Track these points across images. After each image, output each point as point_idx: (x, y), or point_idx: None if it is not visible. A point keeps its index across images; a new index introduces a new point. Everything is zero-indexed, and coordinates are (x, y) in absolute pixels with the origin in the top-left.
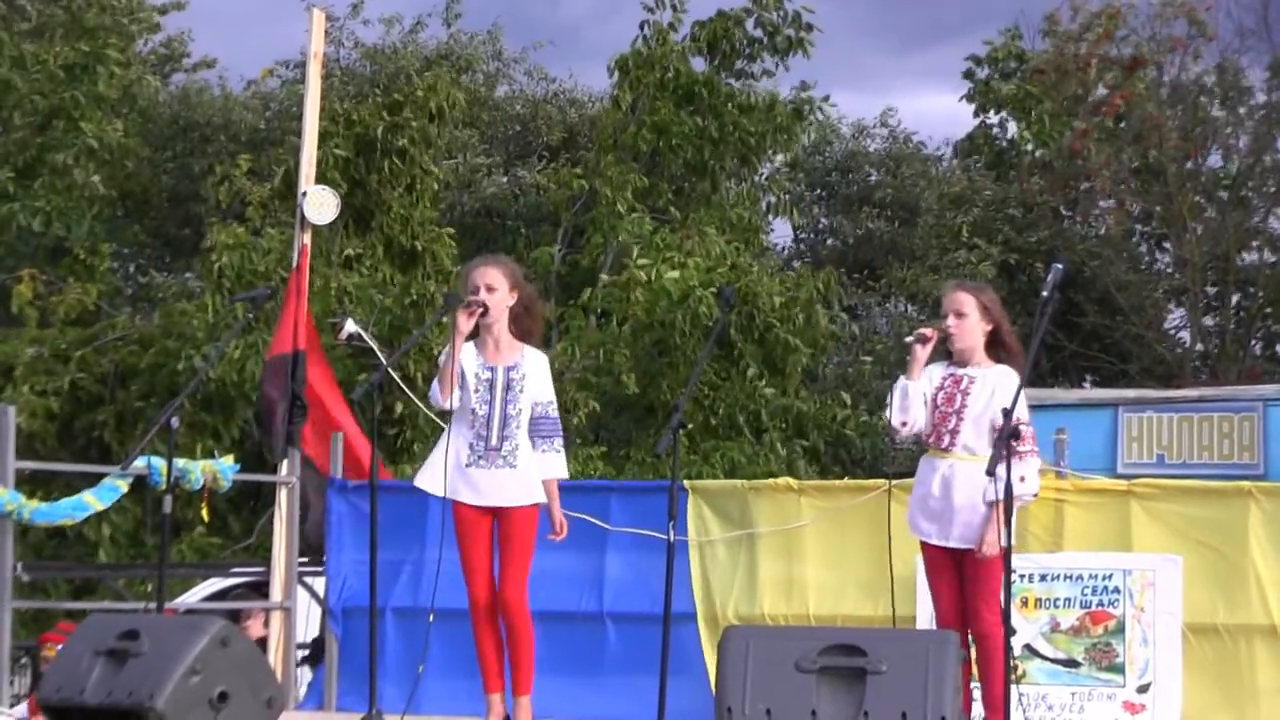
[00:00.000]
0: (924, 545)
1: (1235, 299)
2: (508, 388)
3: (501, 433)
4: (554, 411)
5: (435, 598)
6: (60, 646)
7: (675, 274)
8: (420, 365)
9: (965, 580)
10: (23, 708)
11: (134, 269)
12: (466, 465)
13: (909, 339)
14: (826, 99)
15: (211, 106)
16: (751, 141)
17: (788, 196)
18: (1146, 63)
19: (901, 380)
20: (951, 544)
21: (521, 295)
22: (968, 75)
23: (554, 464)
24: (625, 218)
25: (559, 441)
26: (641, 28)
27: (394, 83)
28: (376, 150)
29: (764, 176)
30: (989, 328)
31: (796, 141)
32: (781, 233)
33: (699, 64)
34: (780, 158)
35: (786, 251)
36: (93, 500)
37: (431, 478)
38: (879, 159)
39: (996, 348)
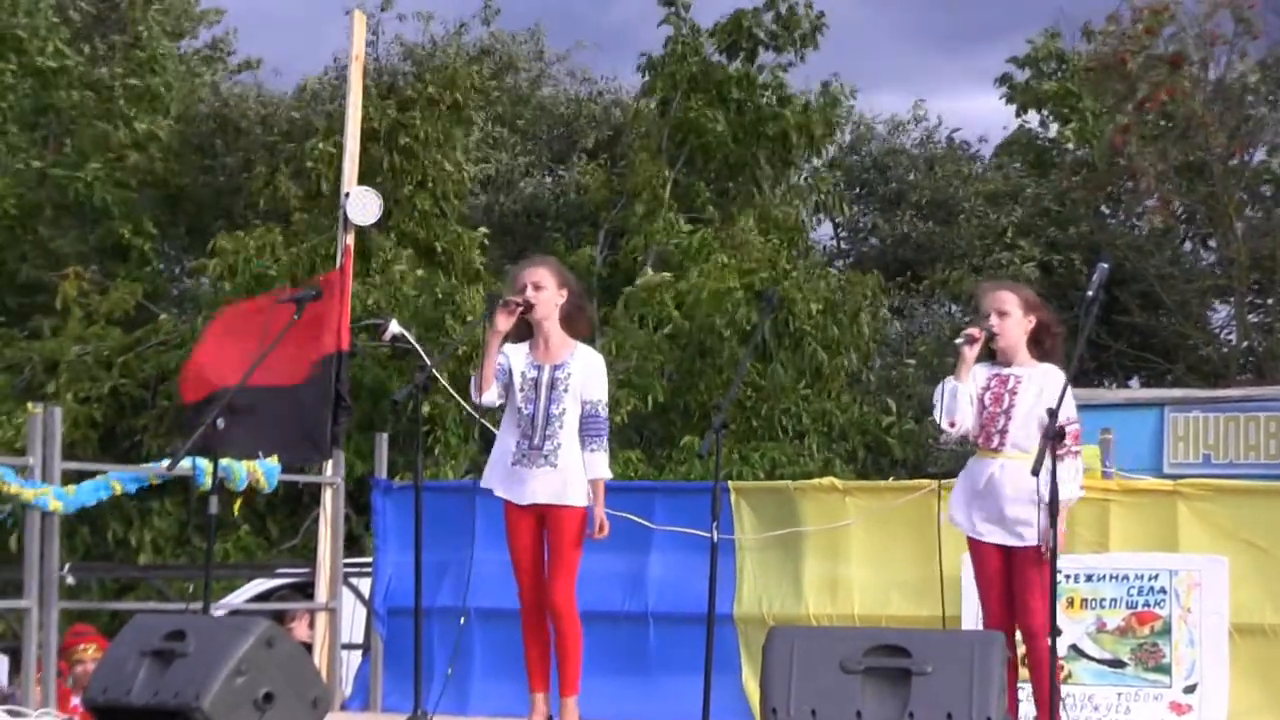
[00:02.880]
0: (972, 543)
1: None
2: (552, 387)
3: (544, 432)
4: (602, 410)
5: (480, 599)
6: (82, 645)
7: (702, 278)
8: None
9: (1015, 579)
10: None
11: (179, 270)
12: (512, 464)
13: (958, 341)
14: (852, 91)
15: (248, 98)
16: (791, 138)
17: (830, 194)
18: (1188, 59)
19: (950, 381)
20: (1002, 542)
21: (571, 294)
22: (1004, 80)
23: (599, 463)
24: (661, 219)
25: (602, 442)
26: (670, 19)
27: (433, 79)
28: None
29: (804, 177)
30: (1031, 325)
31: (833, 136)
32: (822, 232)
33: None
34: (823, 154)
35: (828, 251)
36: (116, 483)
37: (488, 476)
38: (910, 161)
39: (1038, 345)
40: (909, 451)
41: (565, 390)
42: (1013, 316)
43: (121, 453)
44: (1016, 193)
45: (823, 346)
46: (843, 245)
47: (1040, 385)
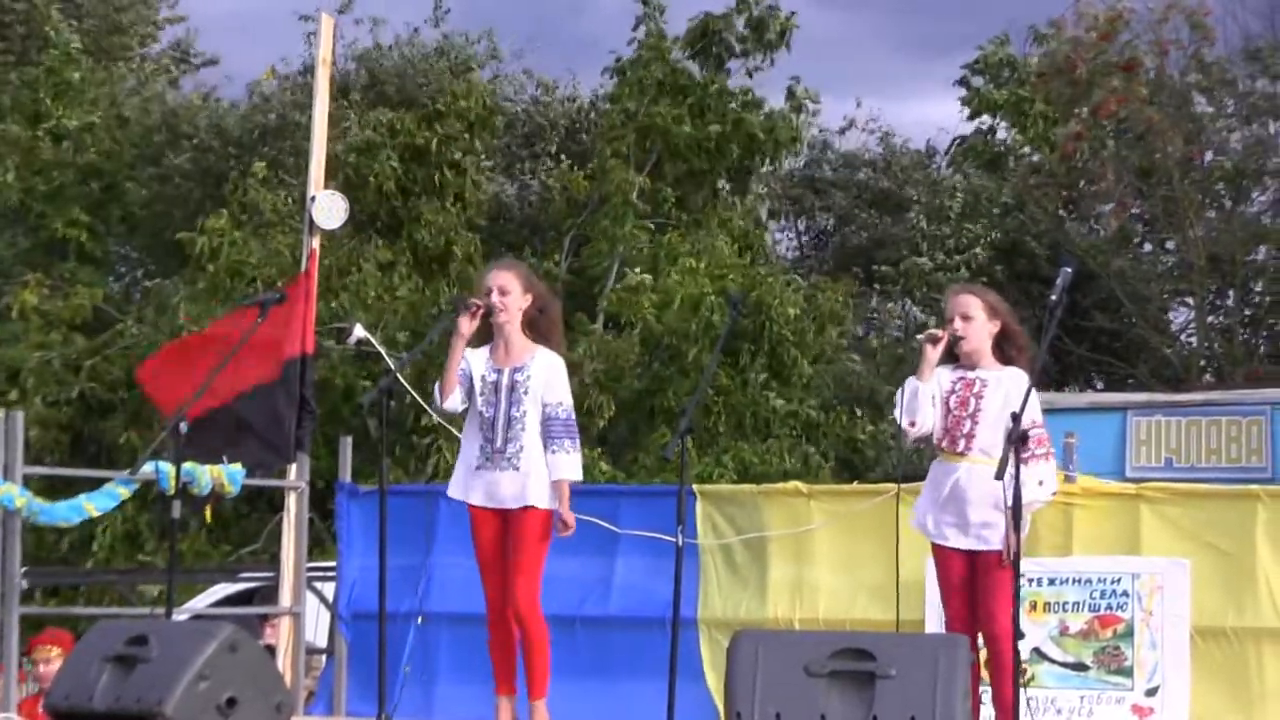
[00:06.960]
0: (936, 549)
1: (1238, 297)
2: (511, 390)
3: (506, 435)
4: (564, 413)
5: (443, 603)
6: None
7: (677, 277)
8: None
9: (978, 582)
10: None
11: (141, 274)
12: (476, 468)
13: (919, 338)
14: (815, 96)
15: (201, 110)
16: (753, 146)
17: (784, 208)
18: (1142, 65)
19: (911, 380)
20: (967, 546)
21: (536, 298)
22: (962, 82)
23: (563, 465)
24: (629, 223)
25: (570, 443)
26: (645, 19)
27: (400, 86)
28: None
29: (757, 194)
30: (996, 329)
31: (796, 145)
32: (783, 235)
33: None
34: (780, 164)
35: (792, 256)
36: (90, 507)
37: (454, 484)
38: (867, 161)
39: (1003, 348)
40: (883, 454)
41: (525, 393)
42: (976, 320)
43: (90, 456)
44: (967, 181)
45: (798, 349)
46: (804, 251)
47: (1007, 389)
